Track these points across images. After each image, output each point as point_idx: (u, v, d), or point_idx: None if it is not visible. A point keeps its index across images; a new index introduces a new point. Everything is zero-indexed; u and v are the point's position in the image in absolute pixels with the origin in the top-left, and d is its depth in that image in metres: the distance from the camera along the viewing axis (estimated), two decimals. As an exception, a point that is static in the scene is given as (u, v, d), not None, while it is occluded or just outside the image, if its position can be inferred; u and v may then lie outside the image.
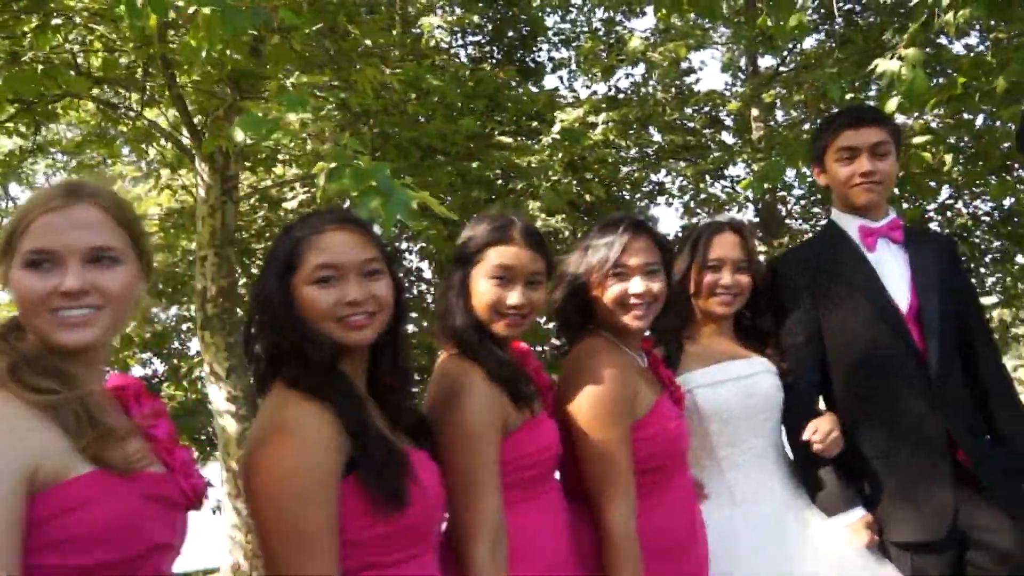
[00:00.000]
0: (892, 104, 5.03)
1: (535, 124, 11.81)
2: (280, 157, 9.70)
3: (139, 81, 6.39)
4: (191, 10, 3.20)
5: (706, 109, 12.27)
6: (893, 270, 2.11)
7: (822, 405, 2.19)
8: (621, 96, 11.83)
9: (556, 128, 11.15)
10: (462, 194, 9.64)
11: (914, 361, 2.03)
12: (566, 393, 1.74)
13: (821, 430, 1.96)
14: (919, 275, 2.09)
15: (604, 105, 11.62)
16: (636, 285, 1.78)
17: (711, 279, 2.11)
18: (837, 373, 2.12)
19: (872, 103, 5.87)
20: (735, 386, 2.02)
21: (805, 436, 1.98)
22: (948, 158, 6.11)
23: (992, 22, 6.03)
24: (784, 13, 6.04)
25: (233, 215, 6.93)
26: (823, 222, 2.21)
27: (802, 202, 12.44)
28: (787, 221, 12.43)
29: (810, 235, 9.56)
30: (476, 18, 13.45)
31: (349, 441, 1.28)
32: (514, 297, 1.63)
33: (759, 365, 2.08)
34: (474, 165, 8.41)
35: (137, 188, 8.96)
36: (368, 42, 5.98)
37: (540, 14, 12.83)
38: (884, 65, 5.31)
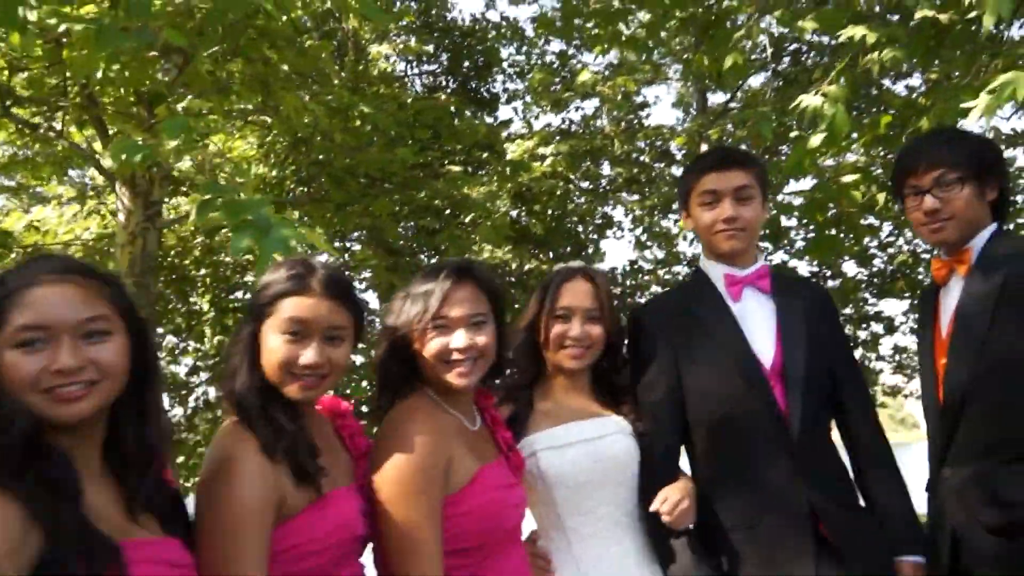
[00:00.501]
0: (815, 140, 4.98)
1: (485, 155, 11.76)
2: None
3: (56, 102, 6.14)
4: (62, 28, 3.02)
5: (658, 143, 12.28)
6: (758, 322, 1.96)
7: (688, 468, 2.01)
8: (573, 129, 11.81)
9: (506, 159, 11.11)
10: (407, 224, 9.49)
11: (775, 421, 1.87)
12: (375, 461, 1.56)
13: (670, 500, 1.78)
14: (786, 327, 1.95)
15: (558, 137, 11.60)
16: (459, 339, 1.61)
17: (559, 330, 1.95)
18: (697, 433, 1.96)
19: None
20: (583, 449, 1.84)
21: (653, 507, 1.80)
22: (880, 196, 6.05)
23: (927, 62, 6.04)
24: (721, 52, 6.01)
25: (156, 242, 6.67)
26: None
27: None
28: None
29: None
30: (431, 48, 13.44)
31: (40, 536, 1.08)
32: (308, 355, 1.47)
33: (612, 425, 1.91)
34: (421, 194, 8.26)
35: (66, 211, 8.66)
36: (285, 67, 5.79)
37: (495, 45, 12.80)
38: (807, 100, 5.27)
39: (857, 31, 5.37)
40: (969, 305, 1.86)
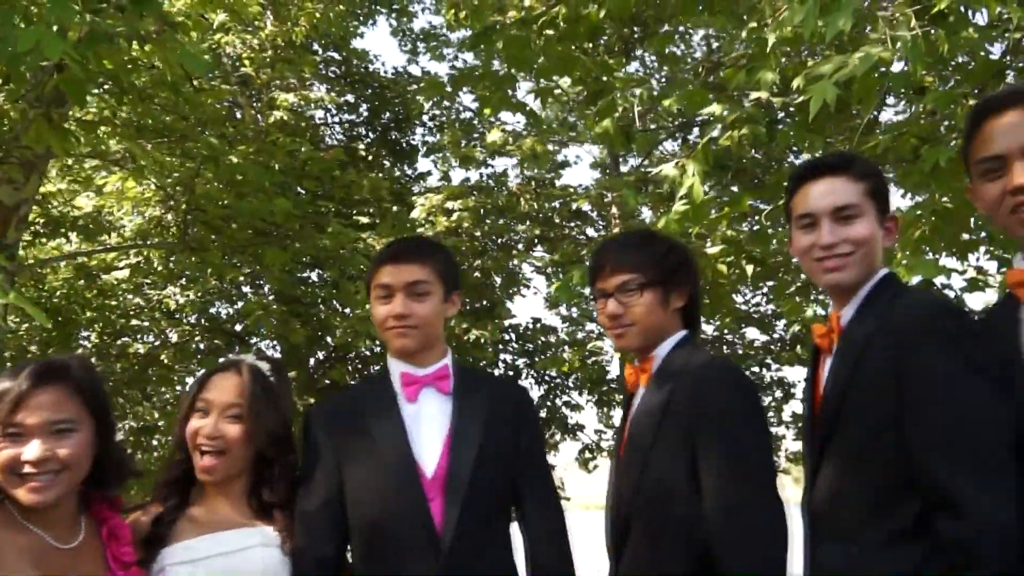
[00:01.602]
0: (678, 206, 5.01)
1: (395, 208, 11.68)
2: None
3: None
4: None
5: (574, 203, 12.35)
6: (430, 425, 1.83)
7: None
8: (483, 185, 11.85)
9: (414, 213, 11.05)
10: (297, 276, 9.28)
11: (425, 530, 1.73)
12: None
13: None
14: (457, 432, 1.82)
15: (475, 193, 11.60)
16: (32, 450, 1.45)
17: (194, 427, 1.79)
18: (354, 540, 1.81)
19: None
20: (220, 563, 1.68)
21: None
22: (748, 268, 6.08)
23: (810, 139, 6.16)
24: (609, 118, 6.04)
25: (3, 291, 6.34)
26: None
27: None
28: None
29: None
30: (351, 98, 13.43)
31: None
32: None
33: (257, 536, 1.74)
34: (325, 243, 8.09)
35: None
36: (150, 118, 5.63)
37: (416, 98, 12.86)
38: (667, 169, 5.31)
39: (715, 108, 5.46)
40: (639, 418, 1.76)
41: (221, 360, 1.89)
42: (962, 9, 4.18)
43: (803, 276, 6.68)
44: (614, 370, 11.25)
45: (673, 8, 6.70)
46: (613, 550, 1.76)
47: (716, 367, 1.77)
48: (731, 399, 1.68)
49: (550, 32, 6.35)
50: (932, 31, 4.17)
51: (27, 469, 1.46)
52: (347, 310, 9.16)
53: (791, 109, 5.17)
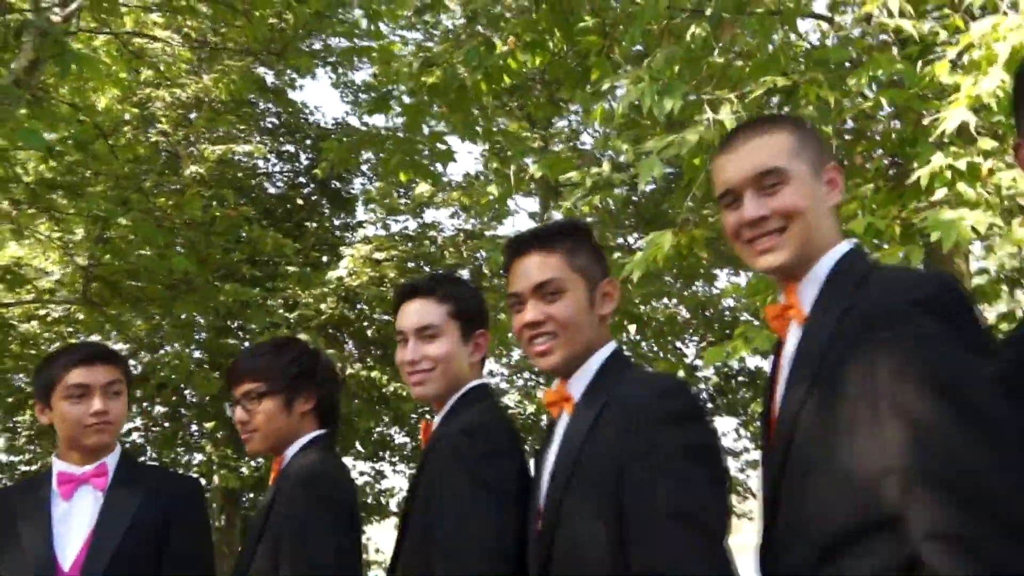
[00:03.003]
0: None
1: (324, 258, 11.85)
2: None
3: None
4: None
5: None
6: (80, 520, 1.96)
7: None
8: (411, 235, 12.07)
9: (342, 263, 11.23)
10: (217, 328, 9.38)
11: None
12: None
13: None
14: (100, 524, 1.95)
15: (411, 244, 11.80)
16: None
17: None
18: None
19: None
20: None
21: None
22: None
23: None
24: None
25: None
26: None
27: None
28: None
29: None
30: (291, 148, 13.68)
31: None
32: None
33: None
34: (222, 299, 8.24)
35: None
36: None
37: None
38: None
39: (575, 175, 5.70)
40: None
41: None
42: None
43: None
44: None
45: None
46: None
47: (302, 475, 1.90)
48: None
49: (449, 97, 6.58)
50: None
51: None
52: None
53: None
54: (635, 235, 9.07)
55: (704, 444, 1.42)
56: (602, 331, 1.64)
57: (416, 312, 1.79)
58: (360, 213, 13.55)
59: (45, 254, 8.99)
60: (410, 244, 12.05)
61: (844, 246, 1.39)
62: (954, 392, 1.15)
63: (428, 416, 8.81)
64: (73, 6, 6.36)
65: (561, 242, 1.63)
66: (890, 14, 4.23)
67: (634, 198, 8.18)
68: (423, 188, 11.46)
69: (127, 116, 9.10)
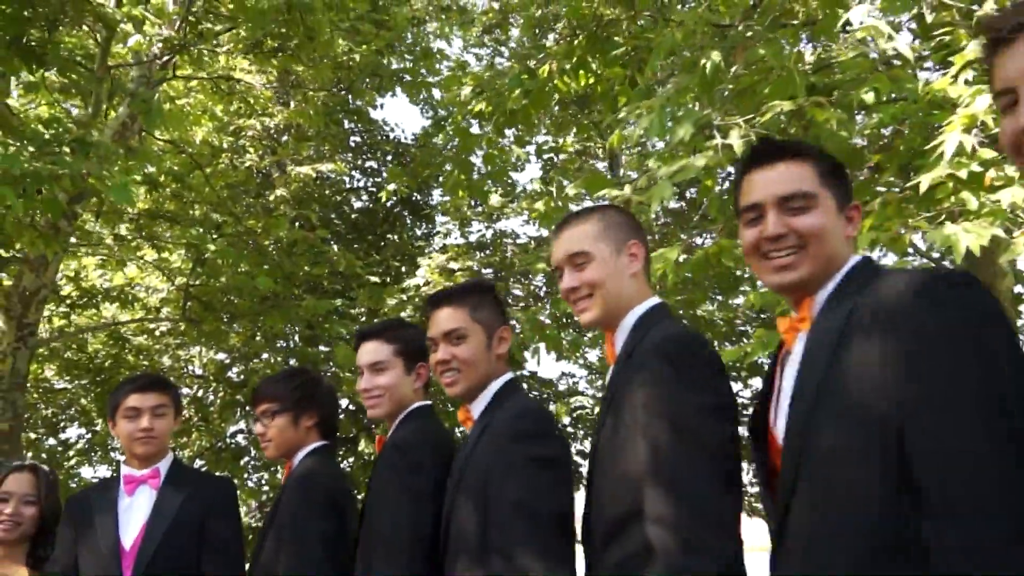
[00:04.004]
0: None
1: (404, 268, 12.53)
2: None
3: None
4: None
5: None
6: (139, 512, 2.54)
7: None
8: (486, 243, 12.58)
9: (419, 272, 11.87)
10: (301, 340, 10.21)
11: None
12: None
13: None
14: (153, 516, 2.52)
15: (481, 251, 12.36)
16: None
17: None
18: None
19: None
20: None
21: None
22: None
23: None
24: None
25: (26, 360, 7.40)
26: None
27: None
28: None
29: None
30: (374, 164, 14.47)
31: None
32: None
33: None
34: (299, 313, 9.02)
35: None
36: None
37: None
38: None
39: (608, 191, 6.04)
40: None
41: (15, 463, 2.68)
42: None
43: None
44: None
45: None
46: None
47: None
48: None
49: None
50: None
51: None
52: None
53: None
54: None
55: (550, 456, 1.87)
56: (499, 366, 2.11)
57: (369, 352, 2.29)
58: (439, 223, 14.19)
59: (151, 276, 10.05)
60: (483, 253, 12.59)
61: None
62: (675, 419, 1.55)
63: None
64: (168, 58, 7.20)
65: (468, 298, 2.12)
66: (890, 37, 4.40)
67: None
68: (495, 199, 11.99)
69: (224, 144, 10.07)
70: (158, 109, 5.36)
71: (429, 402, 2.31)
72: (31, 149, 4.50)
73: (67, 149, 4.83)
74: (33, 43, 5.04)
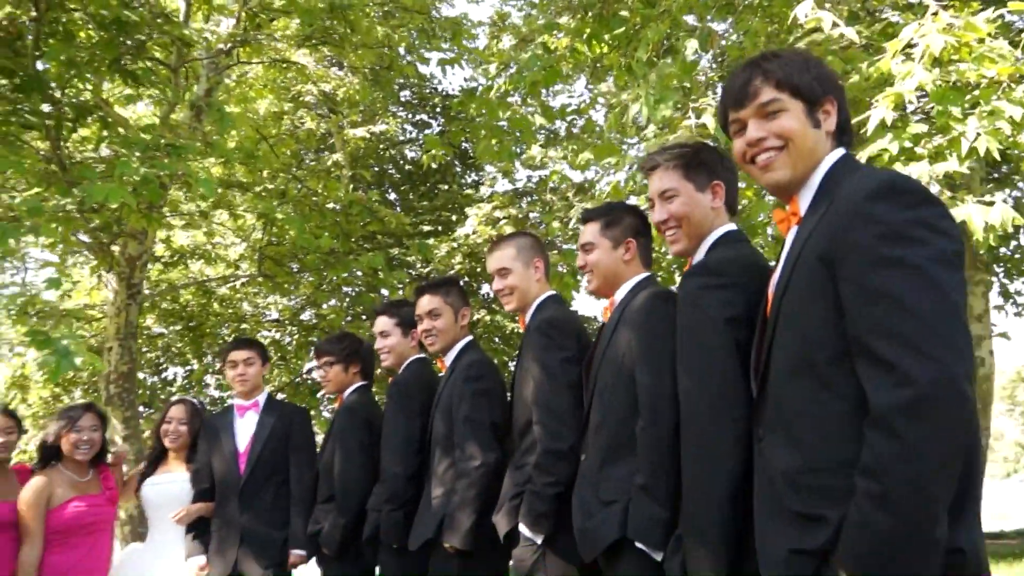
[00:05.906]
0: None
1: (454, 217, 13.56)
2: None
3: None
4: None
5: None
6: (247, 429, 3.75)
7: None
8: (527, 191, 13.47)
9: (468, 222, 12.88)
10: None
11: (236, 479, 3.65)
12: None
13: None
14: (259, 429, 3.74)
15: (532, 197, 13.29)
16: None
17: (165, 428, 3.88)
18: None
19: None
20: (166, 486, 3.76)
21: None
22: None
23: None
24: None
25: (136, 313, 8.84)
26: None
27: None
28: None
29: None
30: (424, 116, 15.40)
31: None
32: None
33: (186, 476, 3.78)
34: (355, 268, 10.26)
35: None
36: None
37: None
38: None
39: (613, 159, 6.94)
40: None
41: (173, 398, 3.93)
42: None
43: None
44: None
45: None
46: None
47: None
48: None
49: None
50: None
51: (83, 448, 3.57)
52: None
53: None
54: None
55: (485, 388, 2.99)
56: (462, 332, 3.22)
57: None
58: (488, 171, 15.08)
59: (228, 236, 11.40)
60: (526, 202, 13.49)
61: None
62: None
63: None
64: (231, 47, 8.33)
65: (441, 288, 3.22)
66: (835, 24, 5.10)
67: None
68: (535, 150, 12.83)
69: (285, 108, 11.21)
70: (230, 120, 6.49)
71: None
72: (137, 154, 5.68)
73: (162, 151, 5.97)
74: (126, 63, 6.20)
